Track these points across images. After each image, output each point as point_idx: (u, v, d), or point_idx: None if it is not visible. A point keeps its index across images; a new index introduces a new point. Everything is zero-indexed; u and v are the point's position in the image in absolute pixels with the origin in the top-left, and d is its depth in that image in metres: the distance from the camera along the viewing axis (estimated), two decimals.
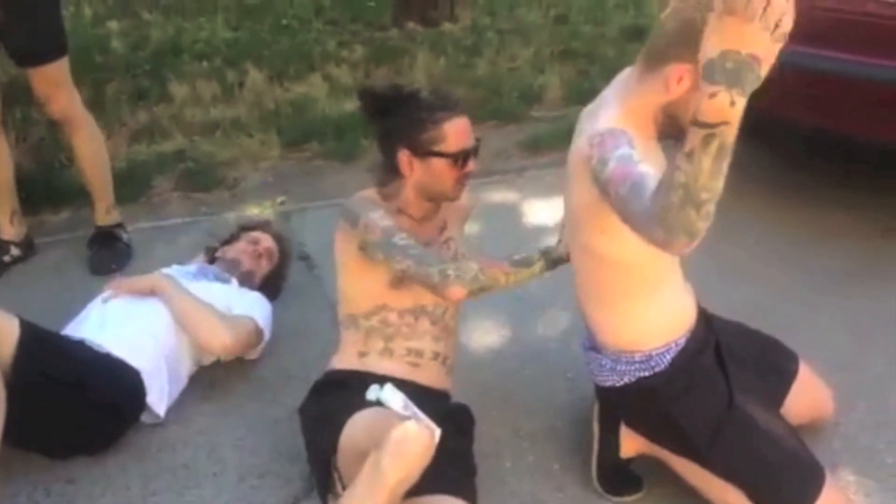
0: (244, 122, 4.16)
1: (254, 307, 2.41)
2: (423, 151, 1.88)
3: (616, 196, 1.49)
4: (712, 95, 1.17)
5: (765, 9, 1.13)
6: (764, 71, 1.18)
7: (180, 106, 4.34)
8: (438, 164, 1.88)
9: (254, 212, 3.39)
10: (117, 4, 6.12)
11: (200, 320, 2.24)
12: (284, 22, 5.78)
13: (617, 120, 1.66)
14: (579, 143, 1.72)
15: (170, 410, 2.20)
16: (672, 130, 1.65)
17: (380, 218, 1.86)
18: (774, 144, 3.74)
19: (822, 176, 3.49)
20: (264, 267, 2.63)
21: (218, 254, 2.65)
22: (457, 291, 1.79)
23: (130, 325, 2.19)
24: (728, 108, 1.18)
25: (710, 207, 1.29)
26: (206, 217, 3.26)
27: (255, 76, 4.68)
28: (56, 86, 2.78)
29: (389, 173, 1.95)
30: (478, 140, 1.95)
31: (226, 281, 2.49)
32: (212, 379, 2.35)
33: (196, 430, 2.18)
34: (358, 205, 1.92)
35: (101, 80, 4.46)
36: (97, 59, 4.89)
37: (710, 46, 1.17)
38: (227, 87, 4.59)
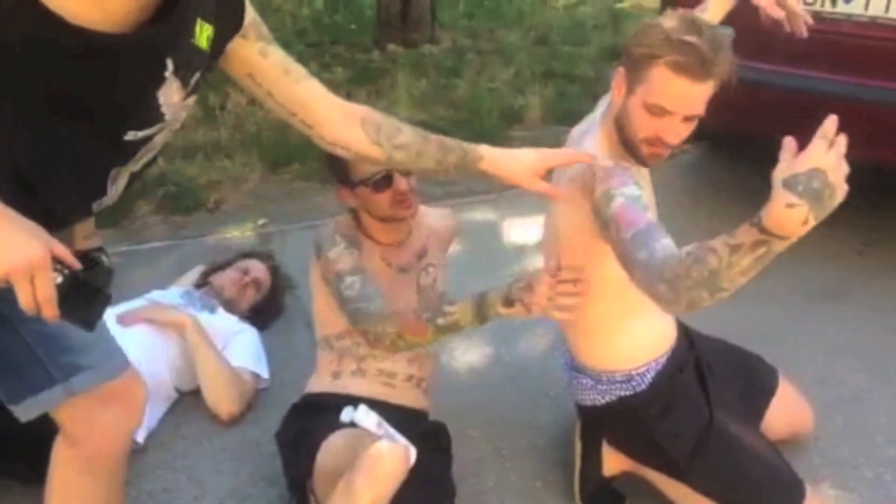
0: (225, 145, 4.15)
1: (249, 352, 2.41)
2: (350, 183, 1.89)
3: (618, 237, 1.50)
4: (790, 206, 1.15)
5: (839, 156, 1.15)
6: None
7: None
8: (363, 191, 1.88)
9: (234, 234, 3.38)
10: None
11: (217, 379, 2.26)
12: None
13: (600, 145, 1.70)
14: (573, 170, 1.70)
15: (149, 435, 2.18)
16: (626, 144, 1.67)
17: (336, 258, 1.87)
18: (754, 161, 3.78)
19: None
20: (250, 297, 2.63)
21: (210, 278, 2.66)
22: (380, 352, 1.86)
23: None
24: (799, 224, 1.17)
25: (725, 295, 1.32)
26: (187, 240, 3.24)
27: (237, 98, 4.67)
28: None
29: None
30: None
31: (212, 309, 2.48)
32: (190, 403, 2.33)
33: (176, 455, 2.16)
34: (324, 237, 1.92)
35: None
36: None
37: (798, 163, 1.15)
38: (208, 110, 4.59)
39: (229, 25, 1.32)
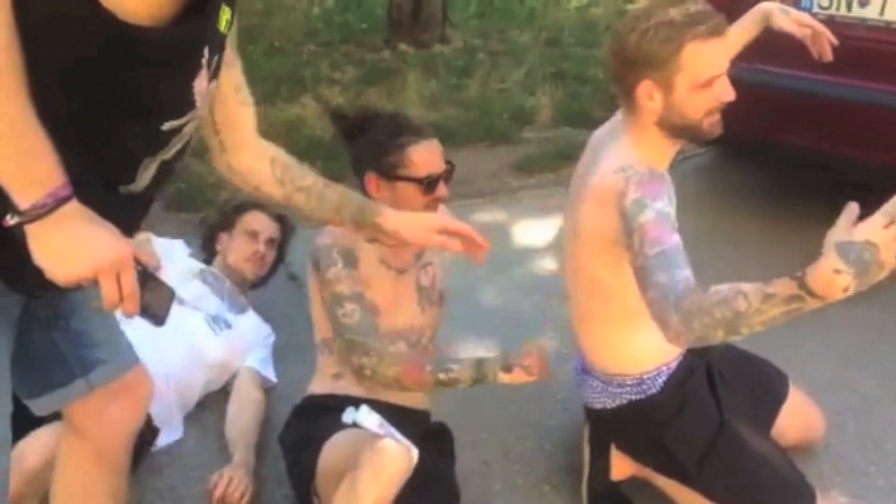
0: None
1: (267, 359, 2.41)
2: (389, 175, 1.86)
3: (640, 251, 1.49)
4: (837, 272, 1.17)
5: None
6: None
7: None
8: (405, 188, 1.86)
9: None
10: None
11: (245, 433, 2.15)
12: (277, 44, 5.81)
13: (639, 153, 1.69)
14: (602, 175, 1.68)
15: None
16: (684, 135, 1.70)
17: (334, 279, 1.86)
18: (767, 167, 3.77)
19: (814, 199, 3.50)
20: (269, 261, 2.51)
21: (218, 246, 2.51)
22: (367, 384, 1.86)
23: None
24: (840, 291, 1.18)
25: (738, 339, 1.33)
26: (196, 237, 3.25)
27: None
28: None
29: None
30: (450, 164, 1.92)
31: (242, 309, 2.43)
32: (198, 402, 2.32)
33: (183, 454, 2.16)
34: (321, 251, 1.90)
35: None
36: None
37: (857, 232, 1.17)
38: None
39: (235, 9, 1.32)
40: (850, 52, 2.87)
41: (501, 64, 5.46)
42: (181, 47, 1.14)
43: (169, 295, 1.18)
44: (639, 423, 1.82)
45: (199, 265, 2.47)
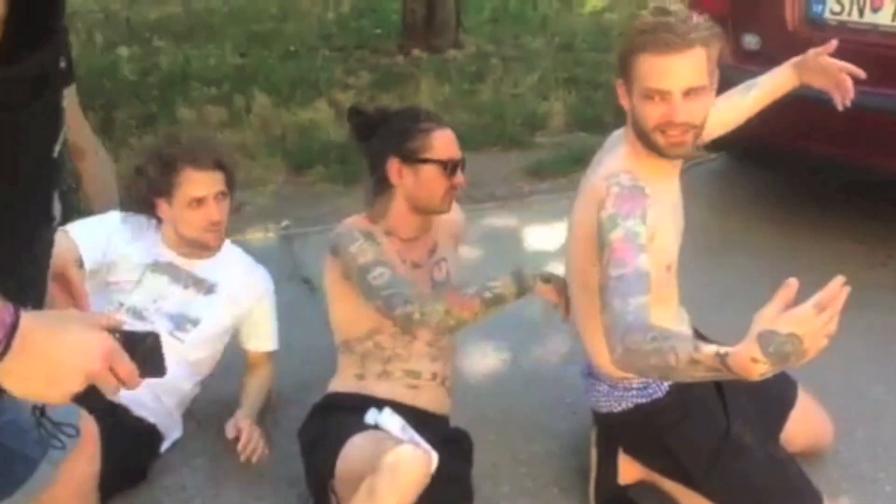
0: (250, 147, 4.20)
1: (270, 327, 2.35)
2: (413, 158, 1.90)
3: (605, 271, 1.57)
4: (754, 360, 1.23)
5: (831, 318, 1.21)
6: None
7: (187, 130, 4.39)
8: (428, 170, 1.90)
9: (257, 235, 3.41)
10: (128, 31, 6.21)
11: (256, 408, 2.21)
12: (292, 48, 5.86)
13: (633, 160, 1.73)
14: (597, 177, 1.73)
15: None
16: (645, 144, 1.72)
17: (358, 252, 1.88)
18: (780, 174, 3.76)
19: (826, 206, 3.51)
20: (226, 216, 2.17)
21: (161, 215, 2.14)
22: (422, 333, 1.86)
23: None
24: (755, 375, 1.26)
25: (669, 380, 1.50)
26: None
27: (263, 101, 4.73)
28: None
29: (379, 190, 1.97)
30: (463, 157, 1.98)
31: (209, 290, 2.20)
32: (211, 400, 2.35)
33: (195, 452, 2.19)
34: (341, 235, 1.94)
35: (111, 105, 4.52)
36: (107, 84, 4.96)
37: (783, 321, 1.21)
38: (234, 112, 4.65)
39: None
40: (862, 59, 2.88)
41: (514, 69, 5.48)
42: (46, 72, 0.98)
43: (155, 342, 1.08)
44: (644, 427, 1.83)
45: (148, 257, 2.17)
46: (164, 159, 2.09)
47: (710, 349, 1.32)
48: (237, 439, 2.03)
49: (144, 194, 2.13)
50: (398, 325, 1.84)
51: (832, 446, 2.13)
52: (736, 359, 1.26)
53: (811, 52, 1.99)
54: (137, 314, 2.10)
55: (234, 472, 2.12)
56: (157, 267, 2.16)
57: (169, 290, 2.16)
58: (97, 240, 2.11)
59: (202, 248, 2.18)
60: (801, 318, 1.21)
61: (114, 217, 2.21)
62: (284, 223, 3.49)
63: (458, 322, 1.82)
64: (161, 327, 2.05)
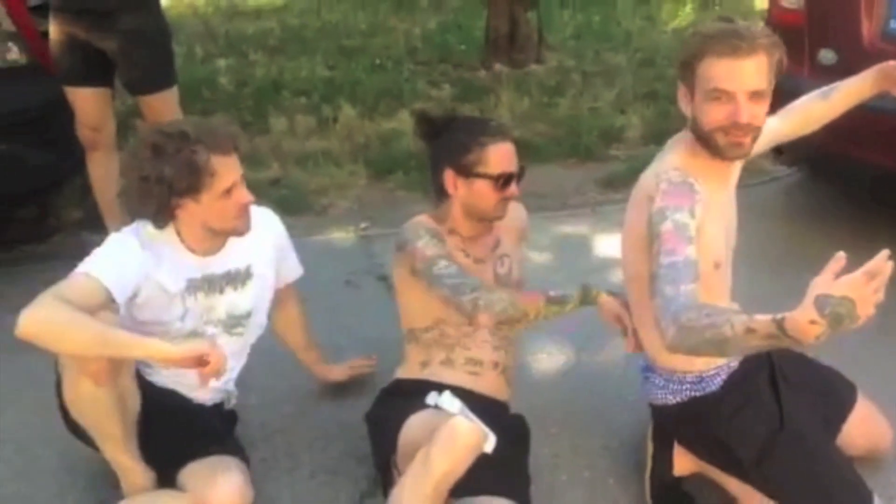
0: (335, 154, 4.41)
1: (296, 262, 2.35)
2: (467, 172, 2.02)
3: (655, 260, 1.64)
4: (812, 322, 1.30)
5: (879, 287, 1.28)
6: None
7: (279, 138, 4.65)
8: (480, 184, 2.02)
9: (339, 235, 3.59)
10: (226, 45, 6.55)
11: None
12: (378, 62, 6.07)
13: (686, 158, 1.81)
14: (647, 175, 1.84)
15: (252, 409, 2.38)
16: (705, 145, 1.79)
17: (424, 246, 2.00)
18: (834, 180, 3.72)
19: (885, 215, 3.45)
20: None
21: (179, 213, 1.94)
22: (484, 319, 1.94)
23: None
24: (812, 338, 1.32)
25: (725, 355, 1.52)
26: (294, 239, 3.48)
27: (348, 111, 4.94)
28: (164, 114, 3.05)
29: (440, 195, 2.10)
30: (522, 167, 2.07)
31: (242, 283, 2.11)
32: (292, 384, 2.52)
33: (274, 429, 2.35)
34: (409, 232, 2.06)
35: (208, 113, 4.80)
36: (205, 93, 5.27)
37: (836, 286, 1.29)
38: (322, 121, 4.87)
39: None
40: None
41: (594, 84, 5.55)
42: None
43: None
44: (699, 419, 1.89)
45: (180, 280, 2.00)
46: (186, 157, 1.86)
47: (765, 317, 1.37)
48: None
49: (166, 200, 1.89)
50: (463, 311, 1.94)
51: (892, 452, 2.13)
52: (793, 322, 1.32)
53: (891, 62, 2.03)
54: (192, 334, 2.01)
55: (309, 450, 2.28)
56: (191, 288, 2.01)
57: (211, 303, 2.05)
58: (128, 280, 1.88)
59: (233, 235, 2.04)
60: (854, 283, 1.27)
61: (132, 244, 1.93)
62: (364, 225, 3.66)
63: (520, 314, 1.93)
64: (217, 332, 2.05)
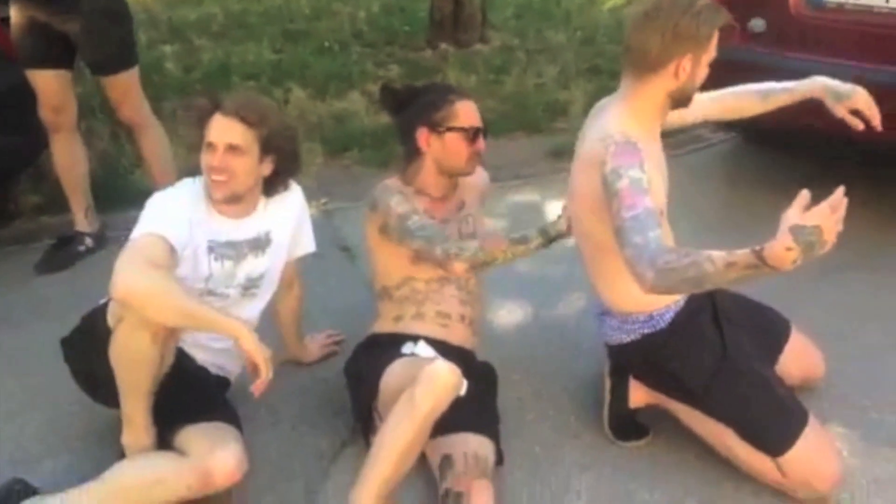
0: None
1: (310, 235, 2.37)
2: (439, 127, 2.17)
3: (618, 215, 1.78)
4: (788, 249, 1.48)
5: (838, 220, 1.48)
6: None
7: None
8: (453, 138, 2.17)
9: None
10: (169, 31, 6.53)
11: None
12: (326, 45, 6.14)
13: (624, 121, 1.95)
14: (590, 142, 1.98)
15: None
16: (680, 104, 1.99)
17: (396, 204, 2.14)
18: (790, 156, 3.95)
19: (840, 172, 3.68)
20: (235, 174, 2.03)
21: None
22: (458, 266, 2.09)
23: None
24: (789, 264, 1.50)
25: (703, 289, 1.67)
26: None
27: (299, 94, 5.01)
28: (126, 93, 3.13)
29: (410, 157, 2.25)
30: (485, 125, 2.25)
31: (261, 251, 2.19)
32: (270, 344, 2.61)
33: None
34: (380, 192, 2.21)
35: (158, 98, 4.82)
36: (154, 78, 5.28)
37: (808, 216, 1.47)
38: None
39: None
40: (859, 38, 3.07)
41: (538, 61, 5.72)
42: None
43: None
44: (651, 354, 2.07)
45: (207, 236, 2.08)
46: (199, 108, 2.03)
47: (743, 250, 1.55)
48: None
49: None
50: (437, 261, 2.08)
51: (824, 382, 2.35)
52: (771, 251, 1.49)
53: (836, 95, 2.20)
54: (211, 293, 2.12)
55: (289, 405, 2.39)
56: (214, 251, 2.08)
57: (233, 270, 2.14)
58: (182, 232, 1.98)
59: (231, 201, 2.07)
60: (821, 213, 1.47)
61: (182, 198, 2.06)
62: (324, 200, 3.77)
63: (489, 258, 2.08)
64: (234, 294, 2.15)
